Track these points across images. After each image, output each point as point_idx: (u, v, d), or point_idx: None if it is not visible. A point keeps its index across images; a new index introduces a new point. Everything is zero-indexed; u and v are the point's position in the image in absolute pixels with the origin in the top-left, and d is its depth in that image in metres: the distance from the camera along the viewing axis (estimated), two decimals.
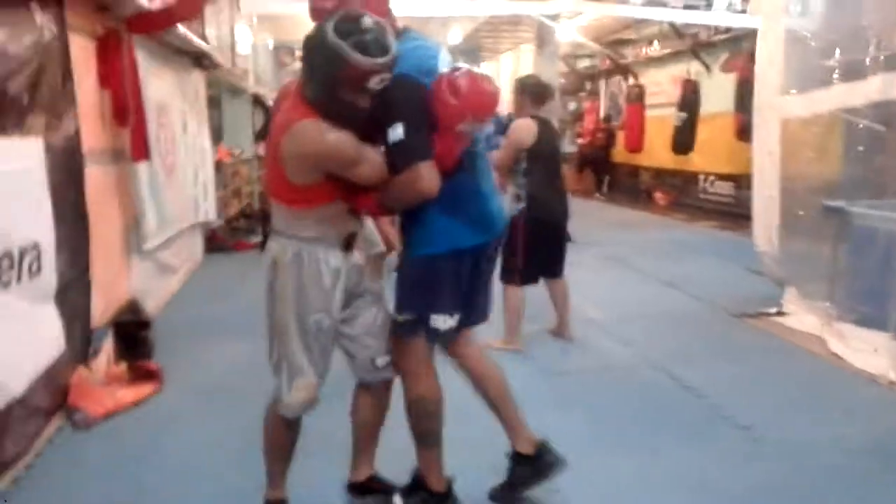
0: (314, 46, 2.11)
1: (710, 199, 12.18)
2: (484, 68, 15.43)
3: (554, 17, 10.11)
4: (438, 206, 2.33)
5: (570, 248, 4.79)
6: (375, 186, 2.28)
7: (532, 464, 2.69)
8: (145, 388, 3.85)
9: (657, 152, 13.44)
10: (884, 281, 4.20)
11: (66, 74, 3.83)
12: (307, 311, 2.31)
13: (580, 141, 16.11)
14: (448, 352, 2.63)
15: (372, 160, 2.23)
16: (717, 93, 11.27)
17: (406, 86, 2.21)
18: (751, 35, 7.42)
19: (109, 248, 4.52)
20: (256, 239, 8.32)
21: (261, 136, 9.57)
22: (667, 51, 13.12)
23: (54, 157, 3.51)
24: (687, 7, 9.95)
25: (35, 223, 3.23)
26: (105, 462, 3.16)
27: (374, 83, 2.09)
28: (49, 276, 3.34)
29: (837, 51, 5.03)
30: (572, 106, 17.15)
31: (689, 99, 11.84)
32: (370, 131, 2.25)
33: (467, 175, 2.42)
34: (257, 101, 10.57)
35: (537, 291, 4.74)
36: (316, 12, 2.28)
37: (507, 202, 4.40)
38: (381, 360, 2.49)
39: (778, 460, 3.12)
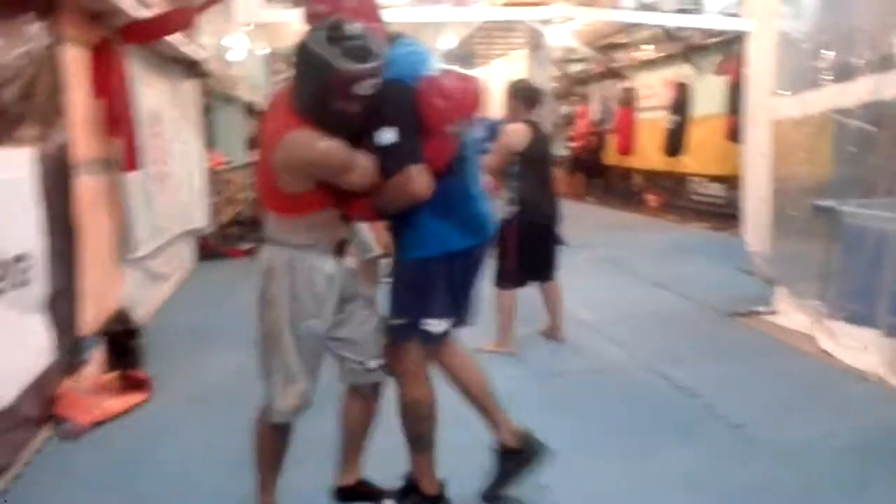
0: (302, 55, 2.12)
1: (702, 201, 12.19)
2: (477, 73, 15.47)
3: (546, 23, 10.14)
4: (429, 209, 2.34)
5: (562, 251, 4.80)
6: (368, 191, 2.29)
7: (518, 456, 2.70)
8: (135, 397, 3.84)
9: (649, 155, 13.48)
10: (874, 279, 4.22)
11: (59, 84, 3.85)
12: (301, 317, 2.32)
13: (572, 144, 16.13)
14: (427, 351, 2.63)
15: (364, 166, 2.23)
16: (709, 95, 11.30)
17: (398, 90, 2.22)
18: (743, 38, 7.46)
19: (99, 257, 4.50)
20: (249, 246, 8.31)
21: (253, 143, 9.57)
22: (659, 54, 13.15)
23: (45, 166, 3.51)
24: (679, 11, 9.97)
25: (25, 233, 3.23)
26: (94, 472, 3.14)
27: (364, 89, 2.09)
28: (39, 286, 3.33)
29: (829, 52, 5.05)
30: (564, 110, 17.18)
31: (681, 102, 11.87)
32: (362, 136, 2.26)
33: (457, 178, 2.43)
34: (251, 110, 10.58)
35: (530, 294, 4.75)
36: (311, 17, 2.30)
37: (499, 205, 4.42)
38: (373, 363, 2.48)
39: (770, 458, 3.13)
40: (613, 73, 14.93)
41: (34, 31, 3.51)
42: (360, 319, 2.47)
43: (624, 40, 14.34)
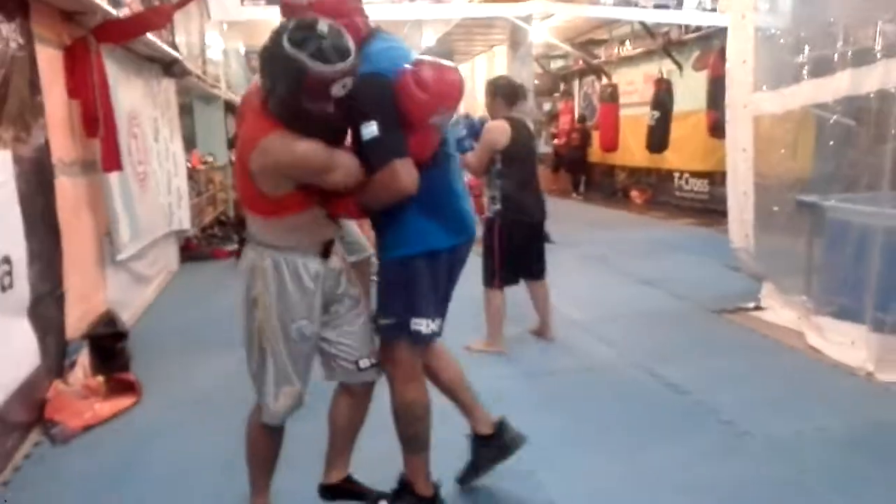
0: (271, 59, 2.06)
1: (686, 197, 12.30)
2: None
3: (526, 19, 10.15)
4: (413, 206, 2.31)
5: (549, 249, 4.81)
6: (352, 189, 2.25)
7: (492, 443, 2.78)
8: (124, 401, 3.80)
9: (632, 151, 13.56)
10: (858, 273, 4.25)
11: (34, 85, 3.80)
12: (289, 318, 2.29)
13: (556, 141, 16.19)
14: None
15: (346, 165, 2.20)
16: (690, 91, 11.39)
17: (379, 83, 2.19)
18: (721, 33, 7.51)
19: (83, 259, 4.45)
20: (233, 246, 8.25)
21: (234, 142, 9.50)
22: (639, 50, 13.23)
23: (23, 169, 3.47)
24: (657, 6, 10.03)
25: (5, 237, 3.18)
26: (84, 476, 3.10)
27: (337, 89, 2.05)
28: (22, 290, 3.28)
29: (807, 47, 5.08)
30: (547, 106, 17.24)
31: (663, 97, 11.95)
32: (342, 133, 2.23)
33: (440, 173, 2.41)
34: (231, 109, 10.50)
35: (519, 293, 4.74)
36: (287, 8, 2.26)
37: (485, 204, 4.41)
38: (364, 363, 2.46)
39: (761, 455, 3.14)
40: (594, 70, 15.00)
41: (6, 32, 3.45)
42: (348, 320, 2.44)
43: (604, 36, 14.43)
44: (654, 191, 13.39)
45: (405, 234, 2.38)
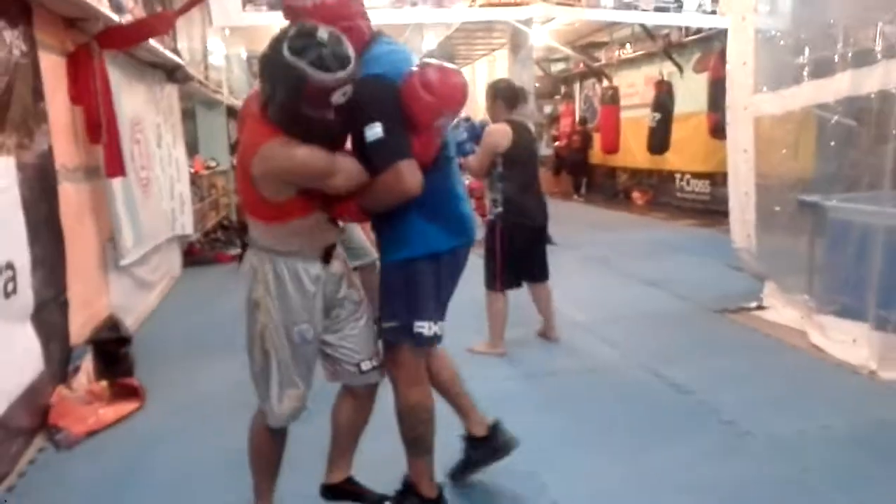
0: (271, 66, 2.06)
1: (688, 198, 12.30)
2: None
3: (527, 22, 10.16)
4: (415, 208, 2.32)
5: (551, 251, 4.81)
6: (354, 192, 2.25)
7: (486, 445, 2.82)
8: (127, 406, 3.81)
9: (633, 153, 13.57)
10: (860, 272, 4.25)
11: (37, 92, 3.81)
12: (290, 322, 2.30)
13: (557, 144, 16.20)
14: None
15: (347, 168, 2.20)
16: (691, 92, 11.40)
17: (382, 85, 2.19)
18: (722, 35, 7.53)
19: (86, 265, 4.47)
20: (235, 251, 8.26)
21: (236, 147, 9.51)
22: (639, 52, 13.24)
23: (27, 175, 3.49)
24: (658, 9, 10.04)
25: (9, 243, 3.19)
26: (89, 481, 3.11)
27: (337, 97, 2.05)
28: (25, 296, 3.30)
29: (807, 49, 5.09)
30: (548, 109, 17.25)
31: (663, 99, 11.96)
32: (342, 138, 2.24)
33: (441, 177, 2.41)
34: (234, 114, 10.53)
35: (521, 296, 4.75)
36: (290, 10, 2.27)
37: (487, 206, 4.41)
38: (366, 365, 2.47)
39: (764, 454, 3.15)
40: (595, 72, 15.02)
41: (9, 39, 3.47)
42: (350, 323, 2.45)
43: (604, 39, 14.44)
44: (656, 192, 13.39)
45: (407, 236, 2.38)
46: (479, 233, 3.14)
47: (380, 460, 2.71)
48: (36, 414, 3.42)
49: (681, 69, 12.01)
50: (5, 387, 3.08)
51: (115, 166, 4.81)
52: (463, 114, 3.58)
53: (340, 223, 2.43)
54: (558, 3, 9.51)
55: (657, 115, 11.98)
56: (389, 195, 2.24)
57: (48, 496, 3.00)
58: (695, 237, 9.53)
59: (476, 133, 4.55)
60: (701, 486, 2.89)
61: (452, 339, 2.70)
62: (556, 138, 16.47)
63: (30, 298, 3.35)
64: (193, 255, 8.11)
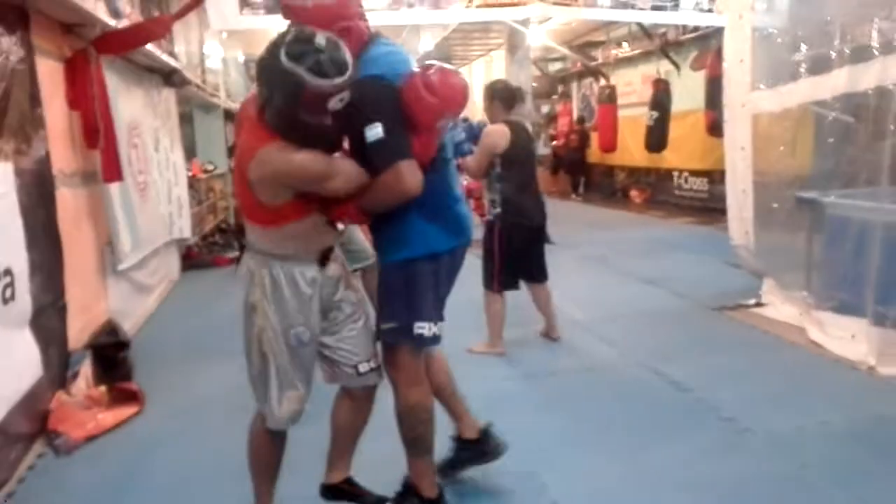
0: (269, 71, 2.06)
1: (685, 196, 12.31)
2: None
3: (524, 22, 10.17)
4: (414, 208, 2.32)
5: (549, 250, 4.81)
6: (353, 193, 2.25)
7: (475, 448, 2.84)
8: (127, 410, 3.81)
9: (631, 151, 13.58)
10: (858, 268, 4.26)
11: (35, 98, 3.81)
12: (287, 325, 2.30)
13: (554, 143, 16.21)
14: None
15: (345, 171, 2.20)
16: (688, 91, 11.41)
17: (381, 86, 2.20)
18: (718, 32, 7.52)
19: (84, 270, 4.47)
20: (234, 254, 8.26)
21: (234, 151, 9.52)
22: (636, 51, 13.25)
23: (24, 181, 3.49)
24: (655, 7, 10.05)
25: (7, 248, 3.19)
26: (89, 486, 3.11)
27: (334, 103, 2.05)
28: (23, 302, 3.29)
29: (804, 46, 5.09)
30: (545, 109, 17.26)
31: (661, 98, 11.97)
32: (338, 142, 2.24)
33: (440, 177, 2.42)
34: (231, 118, 10.54)
35: (520, 296, 4.75)
36: (289, 10, 2.27)
37: (485, 206, 4.41)
38: (363, 367, 2.47)
39: (764, 451, 3.15)
40: (592, 72, 15.03)
41: (6, 45, 3.47)
42: (347, 325, 2.45)
43: (601, 38, 14.45)
44: (654, 190, 13.40)
45: (407, 236, 2.38)
46: (477, 233, 3.15)
47: (380, 461, 2.72)
48: (35, 419, 3.42)
49: (678, 67, 12.02)
50: (4, 393, 3.07)
51: (113, 171, 4.81)
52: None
53: (341, 225, 2.43)
54: (555, 3, 9.53)
55: (655, 114, 11.99)
56: (390, 195, 2.24)
57: (48, 501, 3.00)
58: (693, 235, 9.53)
59: (474, 133, 4.56)
60: (700, 483, 2.90)
61: (451, 339, 2.70)
62: (553, 138, 16.48)
63: (28, 304, 3.35)
64: (192, 259, 8.12)
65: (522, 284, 4.73)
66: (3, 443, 3.04)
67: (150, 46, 5.66)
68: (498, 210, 4.45)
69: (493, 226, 4.47)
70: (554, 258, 4.92)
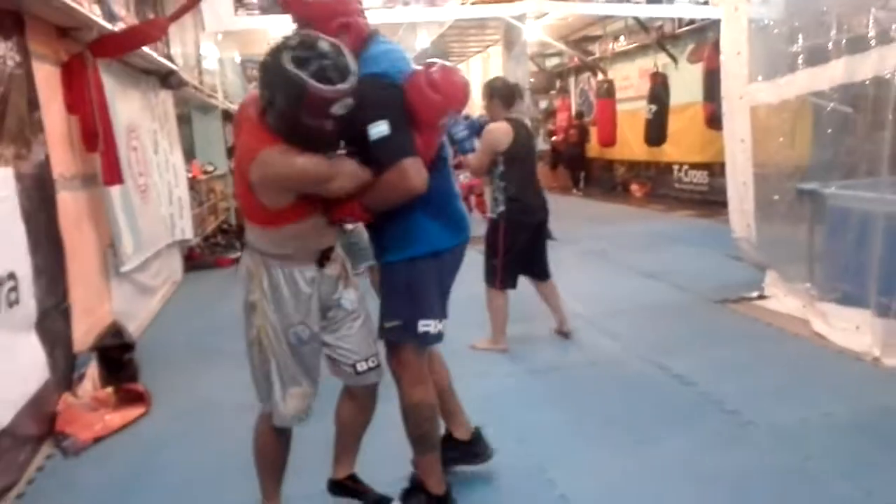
0: (272, 75, 2.05)
1: (686, 189, 12.31)
2: None
3: (520, 18, 10.15)
4: (418, 207, 2.32)
5: (550, 246, 4.81)
6: (355, 193, 2.25)
7: (464, 449, 2.86)
8: (133, 411, 3.82)
9: (630, 145, 13.57)
10: (861, 259, 4.25)
11: (33, 102, 3.82)
12: (287, 324, 2.31)
13: (554, 138, 16.20)
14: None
15: (348, 171, 2.20)
16: (686, 84, 11.40)
17: (384, 84, 2.20)
18: (715, 25, 7.51)
19: (87, 272, 4.48)
20: (236, 254, 8.26)
21: (233, 152, 9.52)
22: (633, 45, 13.24)
23: (25, 185, 3.50)
24: (651, 1, 10.02)
25: (10, 253, 3.21)
26: (97, 486, 3.13)
27: (338, 109, 2.05)
28: (28, 305, 3.31)
29: (801, 37, 5.09)
30: (543, 104, 17.25)
31: (659, 91, 11.96)
32: (337, 145, 2.24)
33: (442, 175, 2.42)
34: (230, 118, 10.54)
35: (522, 292, 4.75)
36: (290, 6, 2.28)
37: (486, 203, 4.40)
38: (361, 367, 2.47)
39: (767, 443, 3.16)
40: (589, 66, 15.01)
41: (2, 51, 3.48)
42: (346, 324, 2.45)
43: (598, 32, 14.44)
44: (654, 184, 13.40)
45: (411, 235, 2.39)
46: (479, 229, 3.15)
47: (388, 456, 2.72)
48: (43, 421, 3.44)
49: (675, 60, 12.02)
50: (11, 396, 3.09)
51: (113, 174, 4.82)
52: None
53: (350, 225, 2.42)
54: None
55: (653, 107, 11.99)
56: (394, 193, 2.24)
57: (57, 502, 3.03)
58: (693, 228, 9.53)
59: (476, 128, 4.54)
60: (704, 476, 2.90)
61: (453, 336, 2.71)
62: (552, 133, 16.47)
63: (32, 308, 3.36)
64: (194, 260, 8.13)
65: (528, 282, 4.73)
66: (12, 445, 3.06)
67: (146, 49, 5.66)
68: (502, 208, 4.45)
69: (497, 224, 4.47)
70: (555, 253, 4.92)
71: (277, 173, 2.10)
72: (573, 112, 15.88)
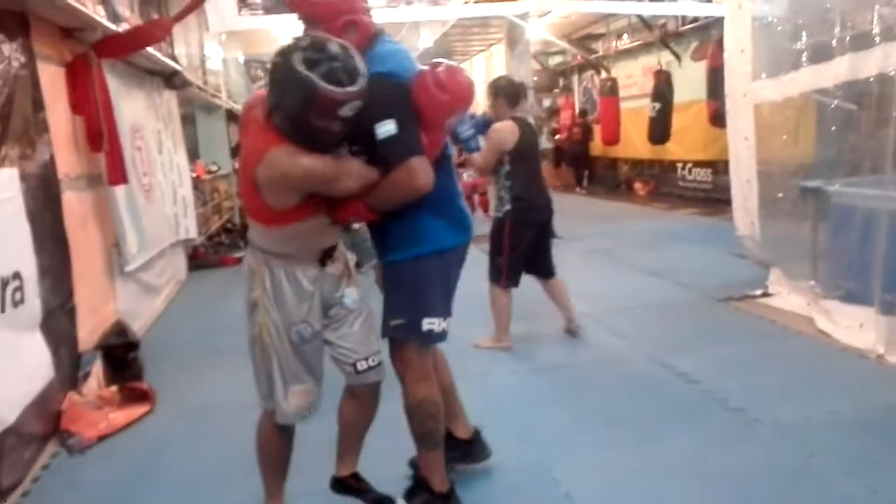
0: (282, 76, 2.05)
1: (689, 187, 12.29)
2: None
3: (523, 17, 10.16)
4: (424, 206, 2.32)
5: (554, 244, 4.81)
6: (360, 192, 2.25)
7: (465, 448, 2.88)
8: (138, 410, 3.84)
9: (634, 143, 13.56)
10: (865, 256, 4.24)
11: (37, 103, 3.83)
12: (289, 322, 2.32)
13: (557, 137, 16.19)
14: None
15: (354, 171, 2.20)
16: (690, 81, 11.37)
17: (392, 83, 2.20)
18: (719, 22, 7.50)
19: (92, 272, 4.50)
20: (240, 254, 8.28)
21: (237, 151, 9.54)
22: (637, 42, 13.23)
23: (30, 185, 3.51)
24: None
25: (15, 252, 3.22)
26: (102, 484, 3.14)
27: (346, 111, 2.04)
28: (33, 305, 3.32)
29: (804, 34, 5.07)
30: (547, 103, 17.24)
31: (662, 89, 11.94)
32: (349, 140, 2.24)
33: (444, 174, 2.42)
34: (234, 118, 10.56)
35: (526, 290, 4.75)
36: (296, 4, 2.28)
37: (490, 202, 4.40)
38: (361, 366, 2.46)
39: (772, 441, 3.15)
40: (593, 64, 15.01)
41: (7, 52, 3.49)
42: (348, 322, 2.45)
43: (601, 30, 14.43)
44: (658, 182, 13.38)
45: (416, 234, 2.39)
46: (483, 227, 3.15)
47: (392, 455, 2.73)
48: (48, 420, 3.45)
49: (679, 58, 12.00)
50: (17, 394, 3.11)
51: (117, 174, 4.83)
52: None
53: (356, 224, 2.43)
54: None
55: (657, 105, 11.96)
56: (401, 192, 2.24)
57: (62, 500, 3.04)
58: (697, 226, 9.52)
59: (481, 126, 4.53)
60: (709, 474, 2.90)
61: (457, 334, 2.71)
62: (556, 131, 16.46)
63: (38, 307, 3.38)
64: (198, 259, 8.15)
65: (532, 281, 4.73)
66: (18, 443, 3.07)
67: (150, 49, 5.68)
68: (507, 207, 4.44)
69: (502, 222, 4.46)
70: (559, 251, 4.91)
71: (284, 174, 2.10)
72: (576, 110, 15.88)
